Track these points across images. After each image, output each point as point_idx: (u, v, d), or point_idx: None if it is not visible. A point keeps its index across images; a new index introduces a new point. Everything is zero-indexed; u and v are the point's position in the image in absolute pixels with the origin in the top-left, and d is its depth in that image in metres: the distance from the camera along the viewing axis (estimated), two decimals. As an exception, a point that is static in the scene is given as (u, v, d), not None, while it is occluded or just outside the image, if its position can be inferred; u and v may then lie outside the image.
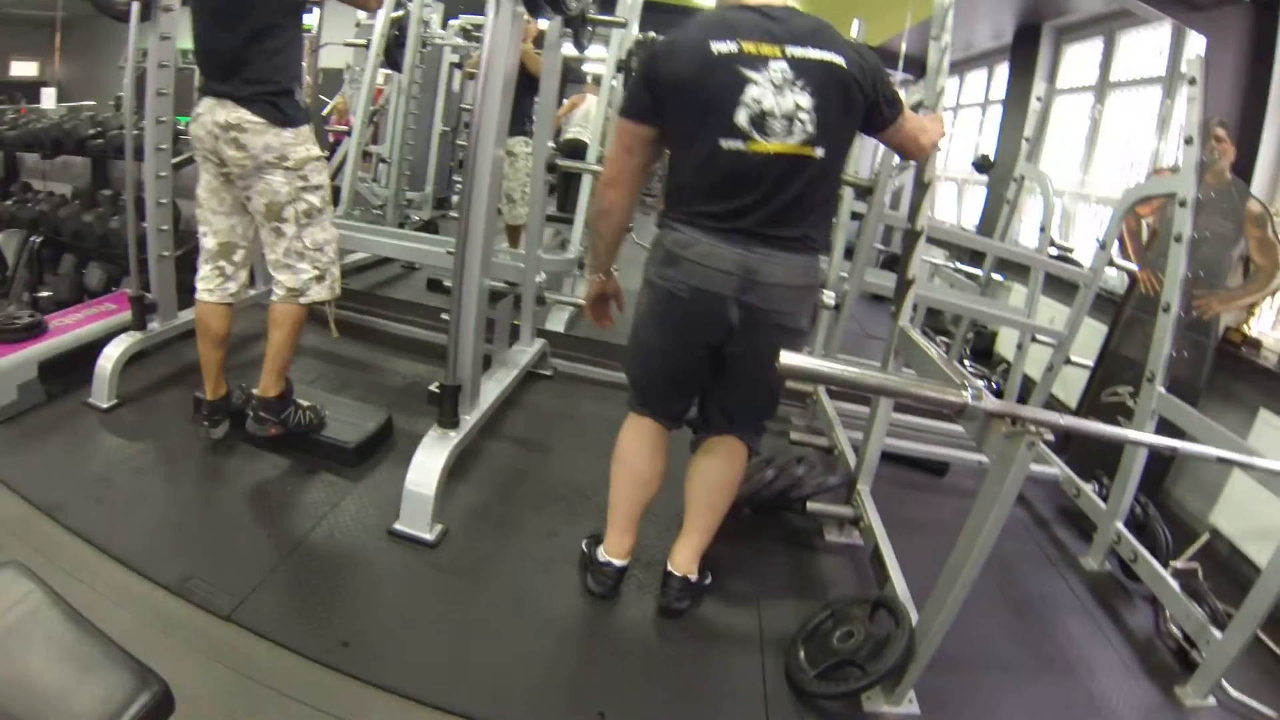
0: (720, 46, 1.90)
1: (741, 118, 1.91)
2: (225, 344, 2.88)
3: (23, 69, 8.35)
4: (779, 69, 1.90)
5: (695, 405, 2.40)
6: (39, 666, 1.16)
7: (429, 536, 2.55)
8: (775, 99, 1.90)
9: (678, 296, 2.07)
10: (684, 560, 2.42)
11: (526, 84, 3.48)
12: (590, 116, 6.70)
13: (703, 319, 2.09)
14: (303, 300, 2.76)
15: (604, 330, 2.59)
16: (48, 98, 7.16)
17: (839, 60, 1.93)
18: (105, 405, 3.06)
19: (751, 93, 1.89)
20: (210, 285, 2.82)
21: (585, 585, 2.47)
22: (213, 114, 2.56)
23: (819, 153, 1.96)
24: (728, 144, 1.93)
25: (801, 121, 1.92)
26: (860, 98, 1.98)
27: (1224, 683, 2.44)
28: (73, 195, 4.46)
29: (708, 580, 2.51)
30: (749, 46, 1.90)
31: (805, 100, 1.91)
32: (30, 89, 7.35)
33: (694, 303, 2.06)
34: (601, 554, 2.45)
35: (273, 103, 2.56)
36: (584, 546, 2.58)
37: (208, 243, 2.80)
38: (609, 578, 2.43)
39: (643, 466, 2.38)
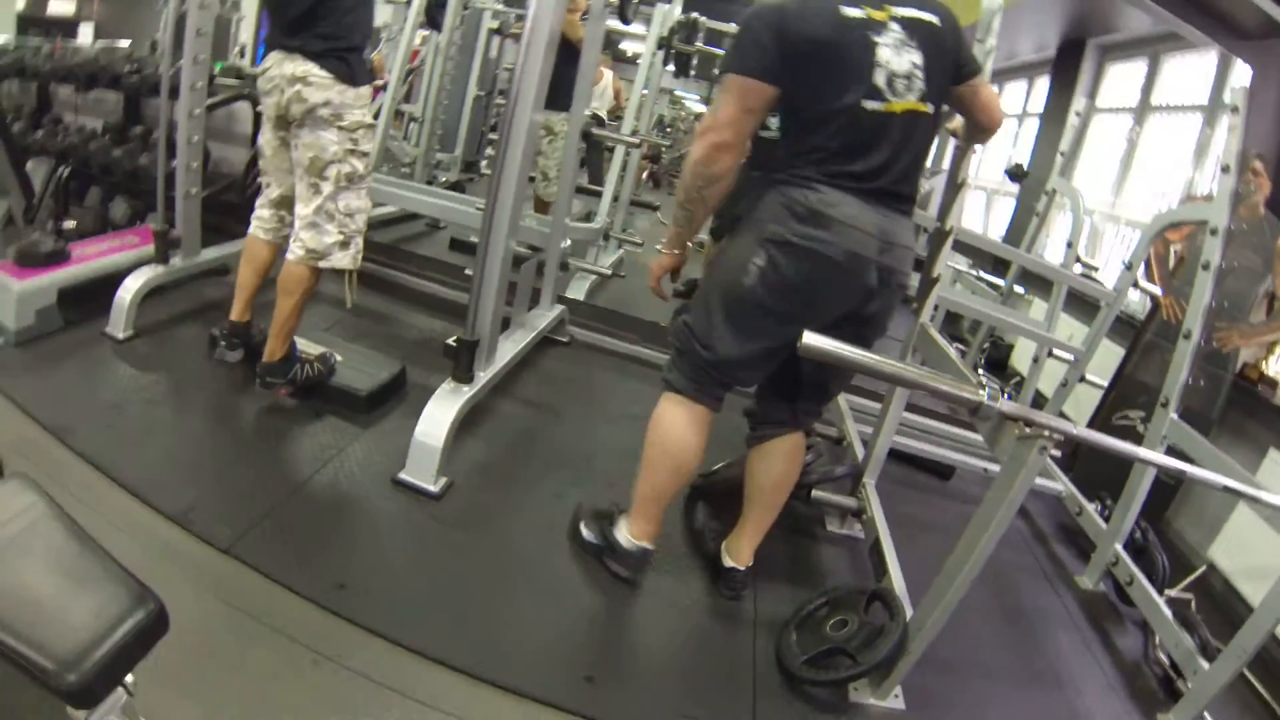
0: (849, 11, 1.92)
1: (880, 79, 1.92)
2: (265, 274, 2.95)
3: (60, 6, 8.34)
4: (895, 29, 1.93)
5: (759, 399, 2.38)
6: (37, 578, 1.16)
7: (433, 488, 2.56)
8: (897, 59, 1.93)
9: (827, 258, 1.96)
10: (747, 554, 2.44)
11: (568, 55, 3.47)
12: (606, 94, 6.72)
13: (850, 285, 2.02)
14: (322, 264, 2.74)
15: (662, 301, 2.53)
16: (84, 34, 7.15)
17: (935, 20, 1.98)
18: (122, 336, 3.08)
19: (882, 54, 1.92)
20: (267, 226, 2.92)
21: (611, 572, 2.40)
22: (280, 67, 2.58)
23: (929, 108, 2.01)
24: (871, 105, 1.92)
25: (917, 79, 1.95)
26: (953, 53, 2.04)
27: (1206, 715, 2.43)
28: (103, 130, 4.46)
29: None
30: (872, 11, 1.93)
31: (918, 58, 1.95)
32: (68, 26, 7.35)
33: (845, 267, 1.98)
34: (628, 540, 2.36)
35: (343, 58, 2.59)
36: (586, 533, 2.48)
37: (270, 192, 2.90)
38: (642, 563, 2.40)
39: (690, 460, 2.26)
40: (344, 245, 2.75)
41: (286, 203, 2.86)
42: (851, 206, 1.96)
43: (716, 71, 2.00)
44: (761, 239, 2.02)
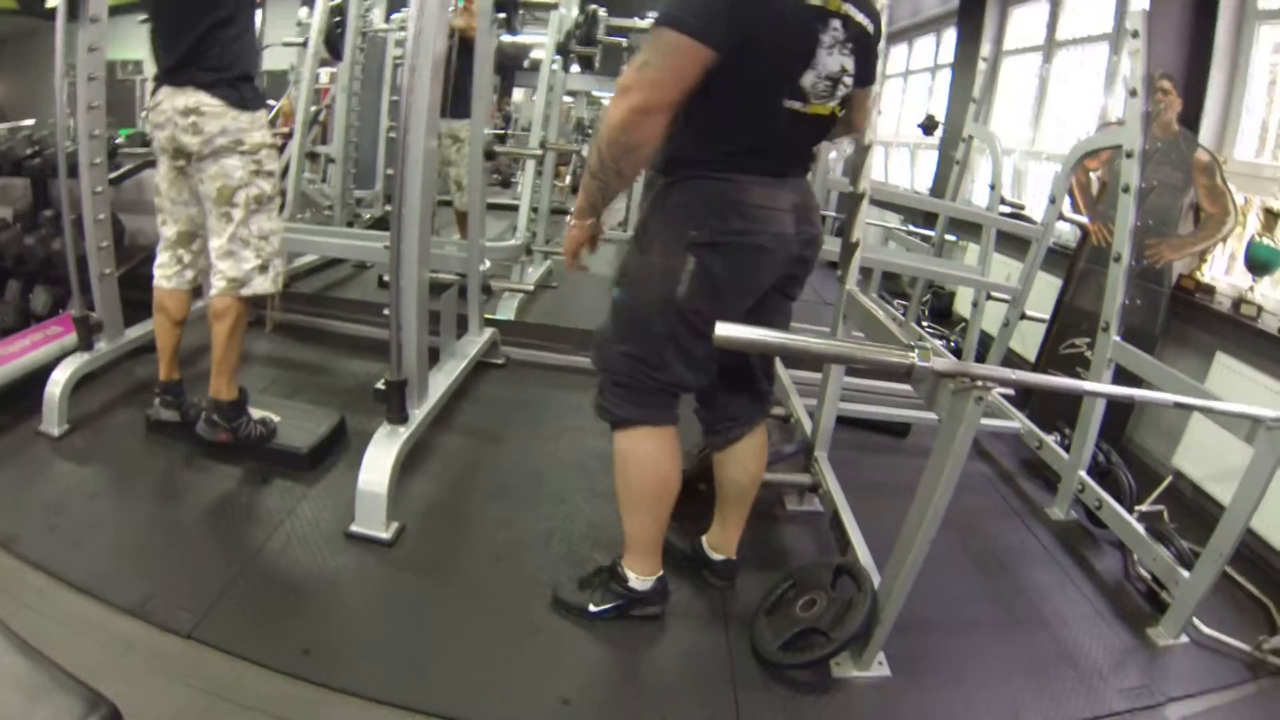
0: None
1: (807, 80, 1.81)
2: (180, 327, 2.93)
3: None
4: (836, 26, 1.82)
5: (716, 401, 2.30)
6: (-12, 701, 1.13)
7: (385, 535, 2.53)
8: (827, 60, 1.82)
9: (758, 247, 1.92)
10: (729, 545, 2.46)
11: (469, 60, 3.42)
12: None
13: (781, 262, 2.00)
14: (244, 292, 2.72)
15: (580, 273, 2.28)
16: (-15, 118, 7.00)
17: (869, 25, 1.90)
18: (57, 432, 2.99)
19: (819, 55, 1.80)
20: (168, 272, 2.87)
21: (643, 616, 2.30)
22: (171, 100, 2.57)
23: (841, 112, 1.96)
24: (789, 104, 1.83)
25: (845, 85, 1.89)
26: (873, 62, 2.01)
27: (1195, 620, 2.49)
28: (14, 219, 4.37)
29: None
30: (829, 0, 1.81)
31: (849, 64, 1.87)
32: (-30, 110, 7.19)
33: (773, 249, 1.95)
34: (644, 582, 2.26)
35: (233, 85, 2.58)
36: (592, 609, 2.28)
37: (167, 231, 2.84)
38: (665, 594, 2.32)
39: (673, 485, 2.16)
40: (263, 269, 2.75)
41: (184, 240, 2.84)
42: (766, 188, 1.92)
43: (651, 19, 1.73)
44: (686, 244, 1.91)
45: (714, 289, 1.92)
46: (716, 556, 2.46)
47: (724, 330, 1.67)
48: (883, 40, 2.05)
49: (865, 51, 1.92)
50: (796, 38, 1.79)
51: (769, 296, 2.07)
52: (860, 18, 1.87)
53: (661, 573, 2.29)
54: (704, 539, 2.50)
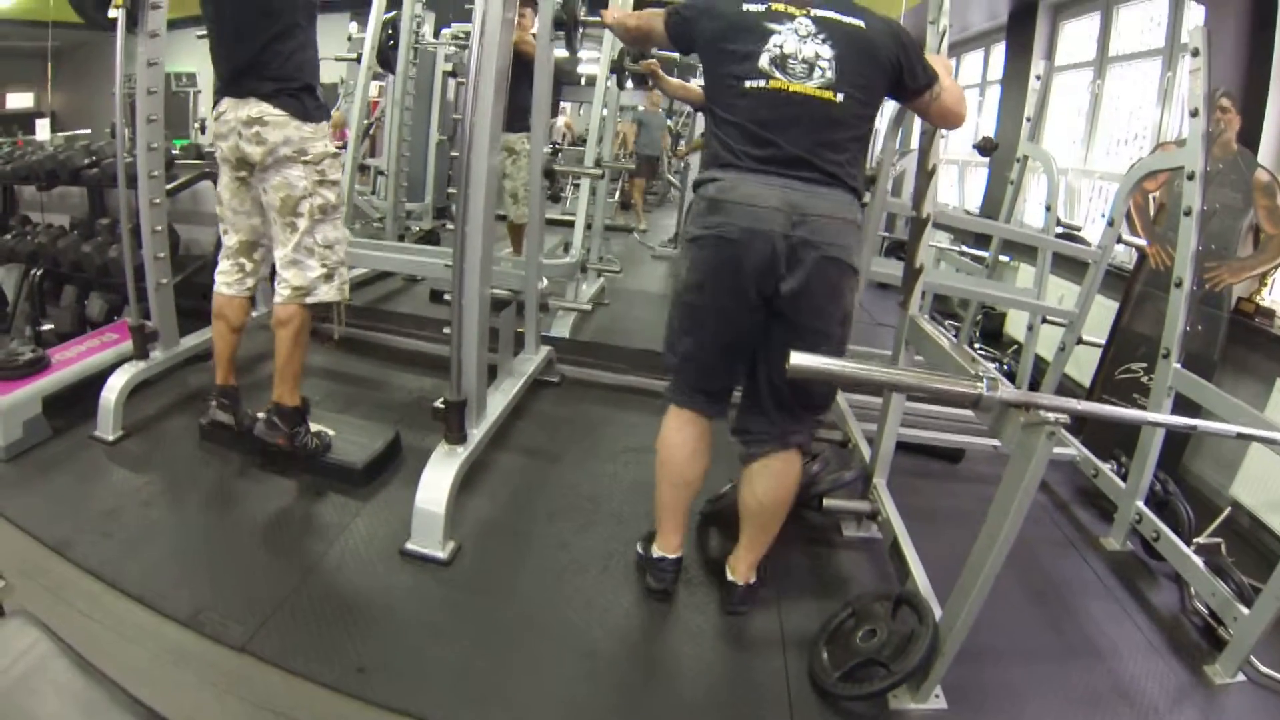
0: (751, 6, 2.09)
1: (764, 61, 2.05)
2: (239, 333, 2.97)
3: (18, 101, 8.33)
4: (804, 23, 2.06)
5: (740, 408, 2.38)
6: (48, 716, 1.14)
7: (442, 555, 2.53)
8: (797, 45, 2.04)
9: (728, 240, 2.06)
10: (744, 570, 2.45)
11: (524, 75, 3.43)
12: (558, 130, 6.70)
13: (755, 260, 2.04)
14: (309, 300, 2.75)
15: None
16: (42, 128, 7.14)
17: (859, 23, 2.09)
18: (111, 438, 3.05)
19: (774, 40, 2.05)
20: (229, 280, 2.92)
21: (646, 585, 2.49)
22: (235, 111, 2.62)
23: (839, 97, 2.06)
24: (751, 83, 2.06)
25: (821, 69, 2.04)
26: (885, 59, 2.10)
27: (1253, 659, 2.42)
28: (71, 226, 4.44)
29: (754, 579, 2.49)
30: (776, 5, 2.08)
31: (826, 50, 2.05)
32: (26, 120, 7.34)
33: (745, 243, 2.04)
34: (655, 551, 2.47)
35: (295, 96, 2.63)
36: (639, 549, 2.61)
37: (229, 240, 2.89)
38: (666, 573, 2.46)
39: (684, 468, 2.37)
40: (328, 278, 2.78)
41: (245, 249, 2.88)
42: (751, 185, 2.06)
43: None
44: (685, 241, 2.22)
45: (698, 280, 2.15)
46: (729, 578, 2.47)
47: (799, 360, 1.70)
48: (907, 52, 2.15)
49: (862, 48, 2.08)
50: (743, 35, 2.09)
51: (778, 316, 2.13)
52: (845, 18, 2.08)
53: (675, 556, 2.46)
54: (727, 560, 2.52)
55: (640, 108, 9.63)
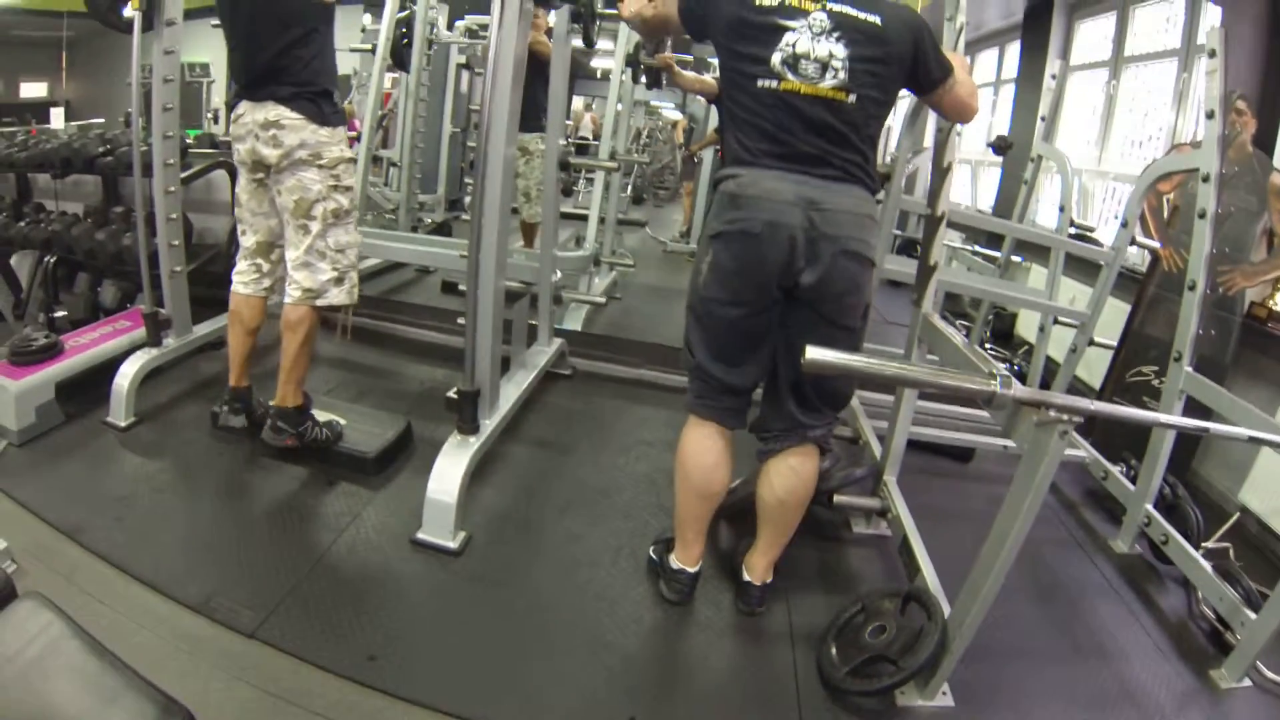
0: (764, 1, 2.03)
1: (776, 60, 2.01)
2: (254, 334, 2.96)
3: (33, 90, 8.38)
4: (818, 19, 2.00)
5: (760, 405, 2.36)
6: (61, 699, 1.15)
7: (453, 544, 2.53)
8: (810, 44, 1.99)
9: (750, 234, 2.05)
10: (761, 569, 2.45)
11: (538, 74, 3.44)
12: (584, 125, 6.69)
13: (777, 254, 2.05)
14: (319, 303, 2.76)
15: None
16: (56, 117, 7.17)
17: (875, 19, 2.02)
18: (123, 424, 3.06)
19: (787, 39, 2.00)
20: (246, 279, 2.92)
21: (659, 593, 2.47)
22: (252, 114, 2.64)
23: (851, 99, 2.03)
24: (764, 83, 2.03)
25: (834, 69, 2.00)
26: (900, 55, 2.07)
27: (1259, 664, 2.42)
28: (85, 214, 4.44)
29: (771, 579, 2.49)
30: (791, 0, 2.02)
31: (840, 50, 2.00)
32: (40, 110, 7.36)
33: (767, 237, 2.04)
34: (674, 563, 2.45)
35: (313, 100, 2.64)
36: (652, 554, 2.58)
37: (246, 241, 2.91)
38: (684, 585, 2.44)
39: (705, 480, 2.32)
40: (338, 281, 2.79)
41: (263, 250, 2.89)
42: (769, 180, 2.06)
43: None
44: (707, 238, 2.18)
45: (721, 277, 2.12)
46: (744, 577, 2.46)
47: (815, 354, 1.69)
48: (923, 46, 2.11)
49: (877, 44, 2.03)
50: (755, 31, 2.04)
51: (797, 310, 2.13)
52: (861, 14, 2.02)
53: (694, 569, 2.43)
54: (742, 559, 2.51)
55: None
